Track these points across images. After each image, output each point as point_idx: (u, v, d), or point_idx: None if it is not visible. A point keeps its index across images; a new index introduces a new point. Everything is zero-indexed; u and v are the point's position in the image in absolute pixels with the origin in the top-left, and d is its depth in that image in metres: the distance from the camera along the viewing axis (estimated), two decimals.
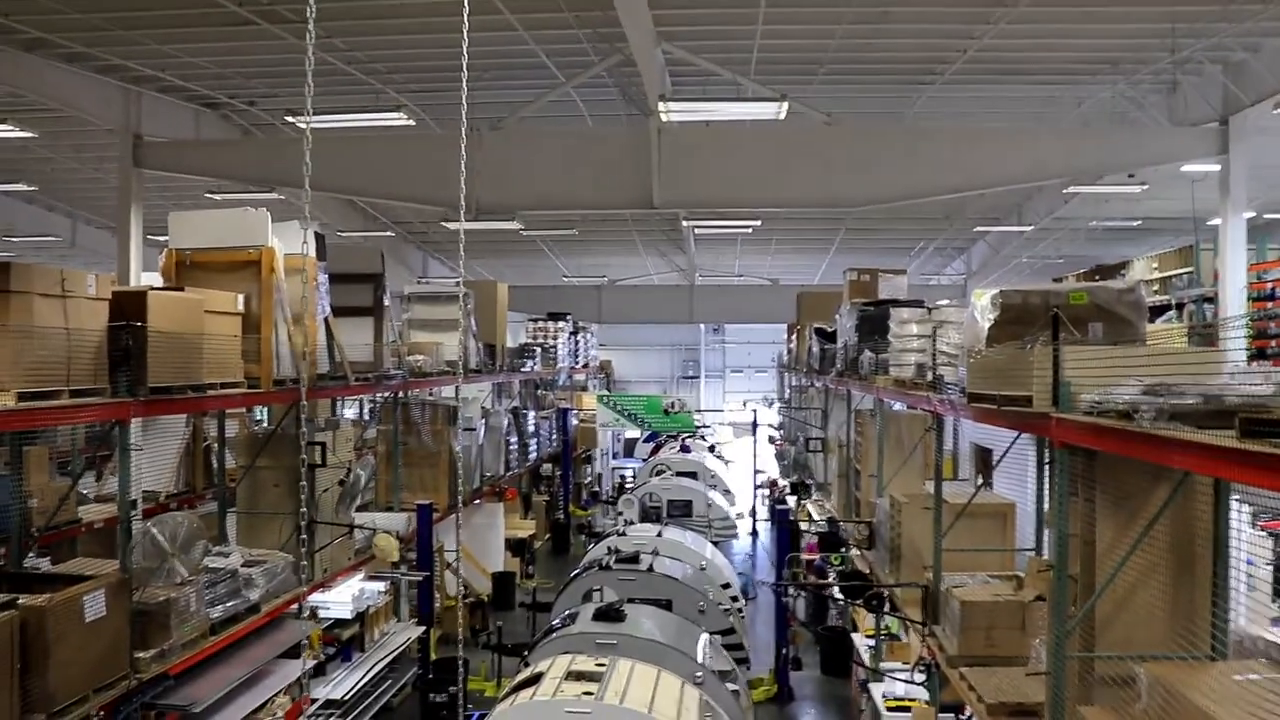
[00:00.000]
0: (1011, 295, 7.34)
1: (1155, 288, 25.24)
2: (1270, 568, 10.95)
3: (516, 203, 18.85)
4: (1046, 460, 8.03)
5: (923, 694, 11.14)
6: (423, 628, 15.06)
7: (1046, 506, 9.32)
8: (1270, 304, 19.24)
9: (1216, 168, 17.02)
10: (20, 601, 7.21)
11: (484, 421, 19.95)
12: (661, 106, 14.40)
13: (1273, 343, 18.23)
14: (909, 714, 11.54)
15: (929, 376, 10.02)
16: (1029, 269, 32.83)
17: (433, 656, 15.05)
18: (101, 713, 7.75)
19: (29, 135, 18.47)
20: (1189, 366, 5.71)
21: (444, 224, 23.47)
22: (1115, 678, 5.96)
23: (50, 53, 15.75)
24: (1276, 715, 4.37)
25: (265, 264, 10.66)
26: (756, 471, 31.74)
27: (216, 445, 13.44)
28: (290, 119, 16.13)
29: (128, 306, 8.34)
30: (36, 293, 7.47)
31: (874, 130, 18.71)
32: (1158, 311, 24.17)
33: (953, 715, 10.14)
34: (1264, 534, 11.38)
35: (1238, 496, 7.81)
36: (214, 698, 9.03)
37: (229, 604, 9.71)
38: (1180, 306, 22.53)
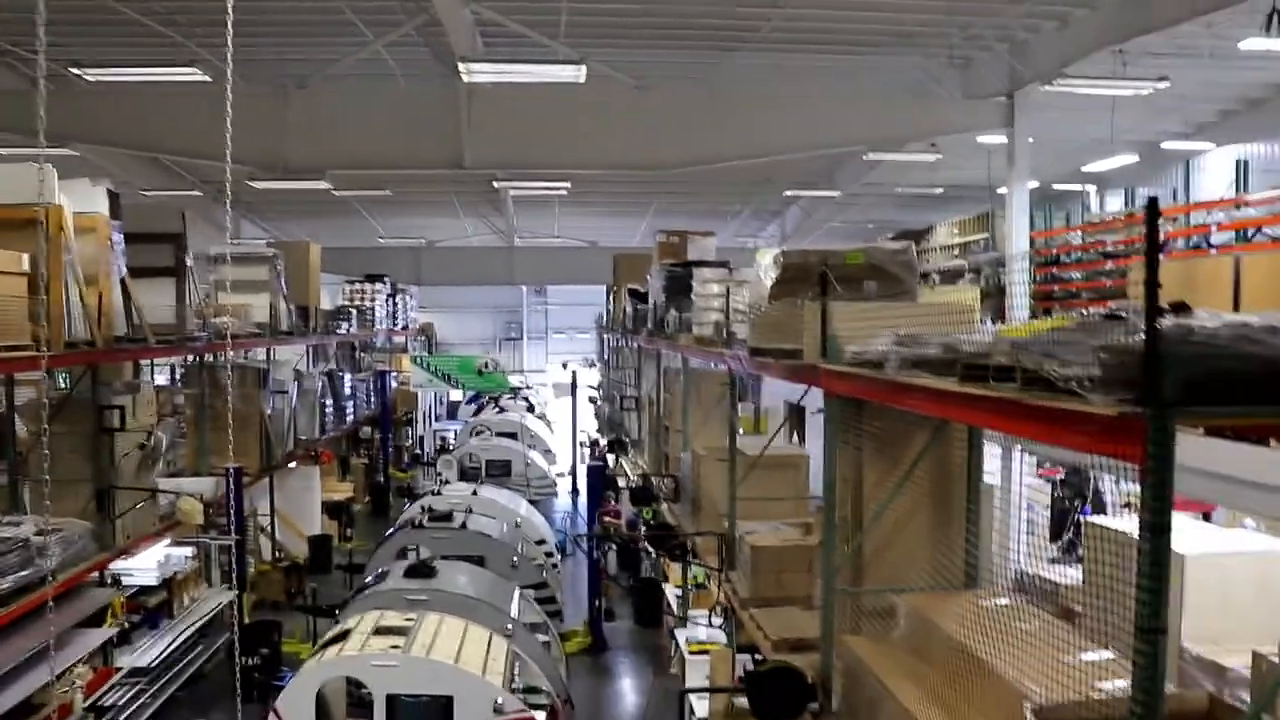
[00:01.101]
0: (792, 255, 7.75)
1: (956, 252, 26.60)
2: (1047, 511, 11.85)
3: (326, 162, 18.51)
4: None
5: (724, 637, 11.69)
6: (234, 592, 14.84)
7: None
8: (1054, 268, 20.64)
9: (1006, 139, 18.06)
10: None
11: (296, 384, 19.62)
12: (463, 67, 14.32)
13: (1057, 304, 19.60)
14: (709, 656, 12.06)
15: (725, 334, 10.45)
16: (841, 233, 33.96)
17: (246, 621, 14.86)
18: None
19: None
20: (943, 319, 6.19)
21: (249, 183, 22.74)
22: (880, 609, 6.46)
23: None
24: (1005, 631, 4.88)
25: (53, 222, 10.25)
26: (578, 431, 32.15)
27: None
28: (75, 71, 15.31)
29: None
30: None
31: (684, 95, 19.07)
32: (958, 274, 25.51)
33: (749, 655, 10.67)
34: (1043, 480, 12.29)
35: (1020, 447, 8.48)
36: (3, 670, 8.79)
37: (20, 574, 9.40)
38: (977, 270, 23.85)
